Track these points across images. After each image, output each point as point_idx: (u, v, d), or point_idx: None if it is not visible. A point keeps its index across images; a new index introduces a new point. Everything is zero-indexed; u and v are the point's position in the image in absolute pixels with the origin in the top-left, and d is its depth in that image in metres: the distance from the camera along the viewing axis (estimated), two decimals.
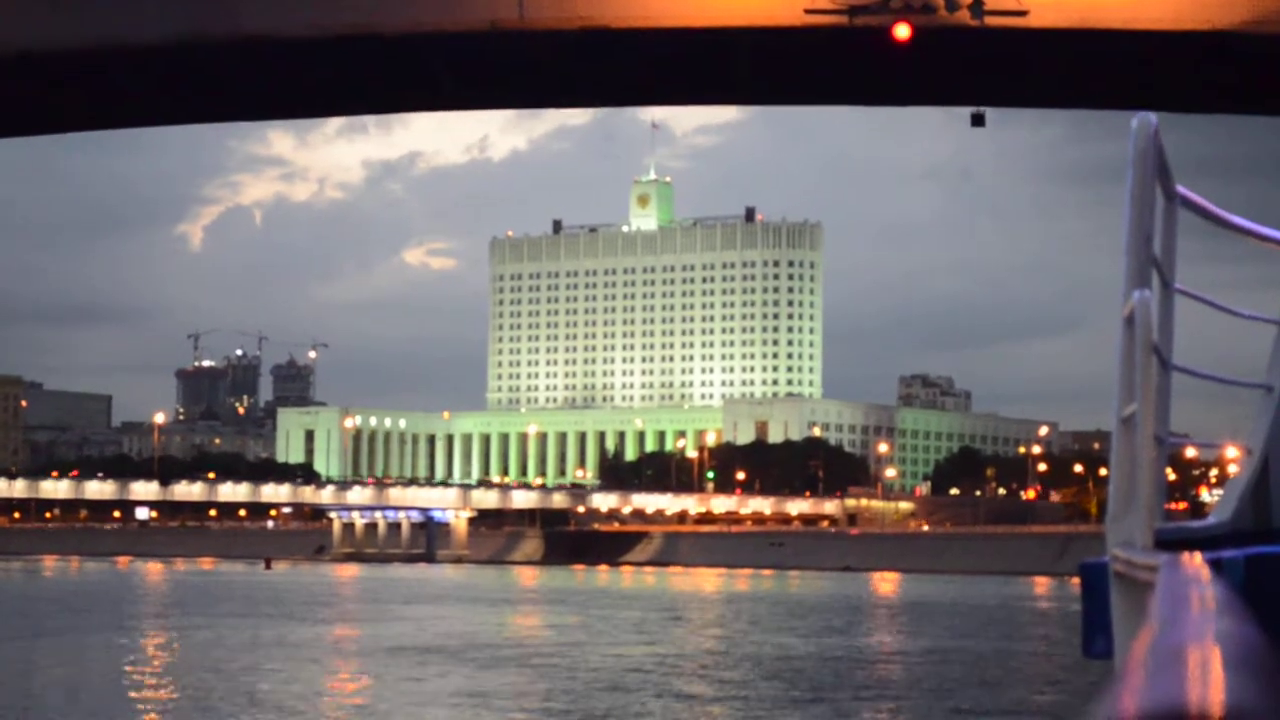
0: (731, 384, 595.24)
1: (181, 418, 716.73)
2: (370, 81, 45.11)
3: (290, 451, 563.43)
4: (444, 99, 47.64)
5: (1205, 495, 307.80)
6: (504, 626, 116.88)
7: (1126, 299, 9.61)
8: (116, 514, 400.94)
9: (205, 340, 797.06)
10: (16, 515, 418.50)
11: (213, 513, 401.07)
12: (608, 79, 45.21)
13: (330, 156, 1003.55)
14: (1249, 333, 12.84)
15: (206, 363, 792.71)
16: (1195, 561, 7.30)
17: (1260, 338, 12.55)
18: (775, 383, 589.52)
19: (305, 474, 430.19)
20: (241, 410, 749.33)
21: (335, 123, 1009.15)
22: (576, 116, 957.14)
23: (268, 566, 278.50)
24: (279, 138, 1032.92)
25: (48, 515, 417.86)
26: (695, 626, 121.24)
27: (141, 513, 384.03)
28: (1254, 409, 12.26)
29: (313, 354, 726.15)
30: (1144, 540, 9.39)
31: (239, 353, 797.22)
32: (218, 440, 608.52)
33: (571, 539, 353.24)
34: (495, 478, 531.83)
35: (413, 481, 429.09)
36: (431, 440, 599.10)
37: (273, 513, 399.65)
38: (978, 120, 47.43)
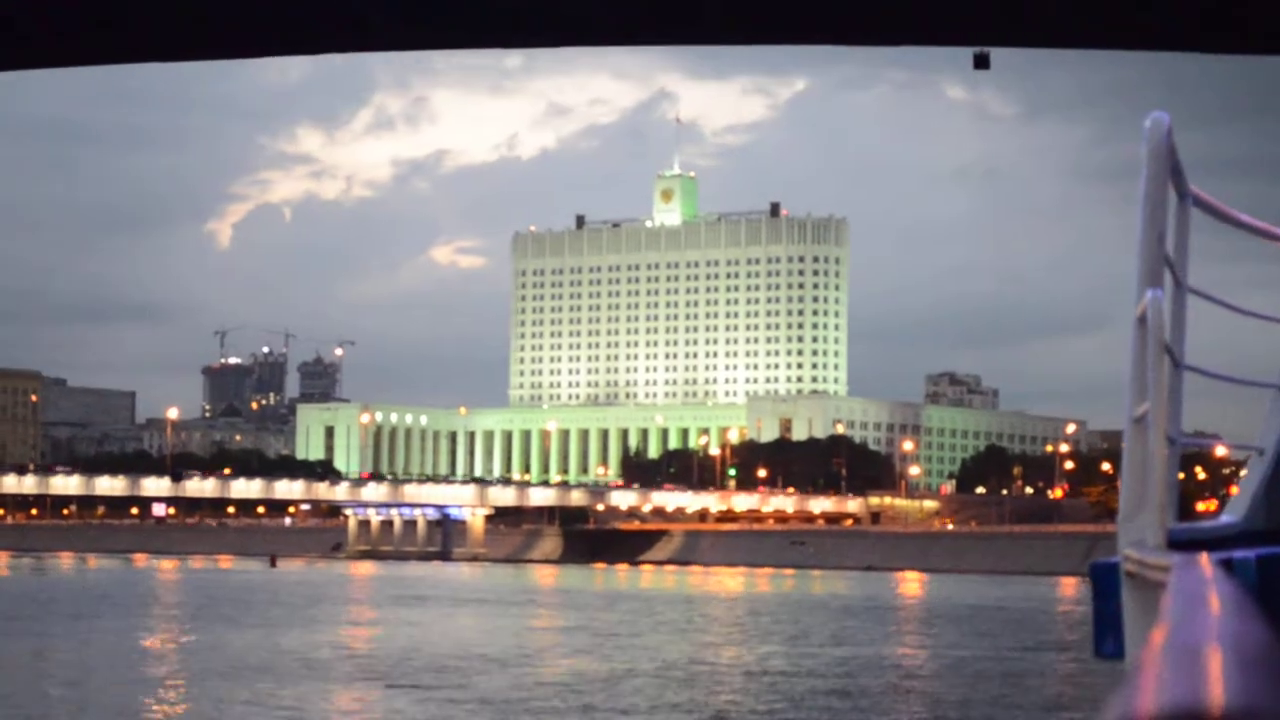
0: (755, 381, 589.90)
1: (208, 415, 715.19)
2: (287, 18, 39.79)
3: (310, 448, 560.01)
4: (372, 38, 42.40)
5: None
6: (471, 632, 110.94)
7: (1139, 298, 9.58)
8: (134, 511, 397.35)
9: (232, 338, 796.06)
10: (34, 512, 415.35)
11: (231, 509, 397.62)
12: (558, 15, 39.78)
13: (358, 154, 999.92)
14: (1263, 332, 12.72)
15: (233, 360, 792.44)
16: (1207, 562, 7.38)
17: (1273, 337, 12.59)
18: (800, 380, 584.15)
19: (325, 471, 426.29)
20: (255, 406, 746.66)
21: (363, 120, 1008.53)
22: (606, 115, 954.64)
23: (273, 564, 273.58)
24: (307, 135, 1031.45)
25: (65, 512, 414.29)
26: (710, 632, 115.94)
27: (158, 509, 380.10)
28: (1266, 409, 12.15)
29: (339, 351, 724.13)
30: (1156, 540, 9.23)
31: (265, 350, 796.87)
32: (238, 437, 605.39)
33: (590, 537, 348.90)
34: (516, 475, 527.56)
35: (429, 478, 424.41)
36: (453, 437, 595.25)
37: (291, 510, 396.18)
38: (981, 62, 42.12)
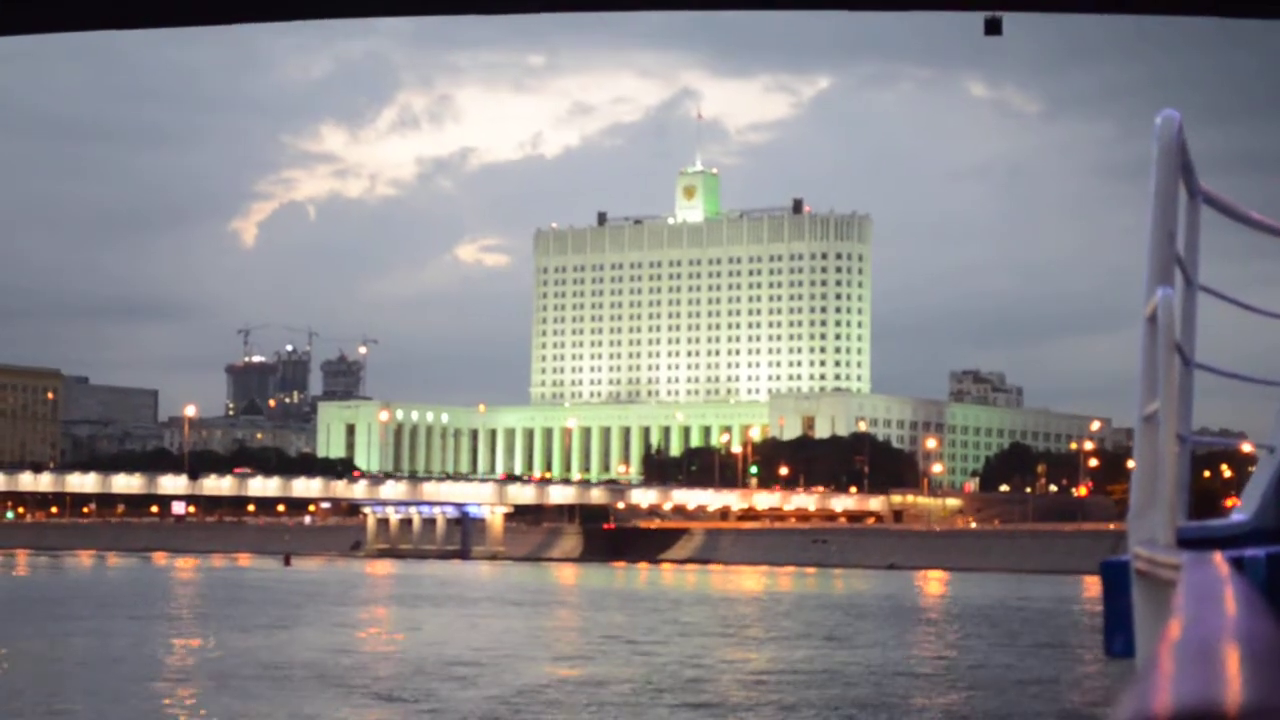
0: (778, 378, 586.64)
1: (231, 413, 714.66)
2: None
3: (331, 446, 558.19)
4: (325, 5, 39.83)
5: None
6: (465, 634, 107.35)
7: (1149, 297, 9.64)
8: (154, 509, 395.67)
9: (256, 336, 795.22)
10: (54, 510, 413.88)
11: (251, 508, 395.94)
12: None
13: (382, 153, 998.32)
14: (1275, 330, 12.80)
15: (256, 358, 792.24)
16: (1217, 560, 7.47)
17: None
18: (823, 377, 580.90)
19: (346, 469, 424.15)
20: (273, 404, 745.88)
21: (387, 119, 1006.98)
22: (630, 114, 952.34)
23: (287, 563, 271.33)
24: (330, 133, 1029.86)
25: (85, 510, 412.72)
26: (719, 634, 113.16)
27: (178, 508, 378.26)
28: (1276, 407, 12.15)
29: (363, 350, 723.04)
30: (1166, 539, 9.29)
31: (289, 348, 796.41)
32: (259, 435, 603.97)
33: (610, 536, 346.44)
34: (537, 473, 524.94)
35: (448, 476, 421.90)
36: (474, 435, 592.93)
37: (311, 508, 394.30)
38: (992, 27, 39.49)
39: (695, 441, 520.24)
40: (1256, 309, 12.04)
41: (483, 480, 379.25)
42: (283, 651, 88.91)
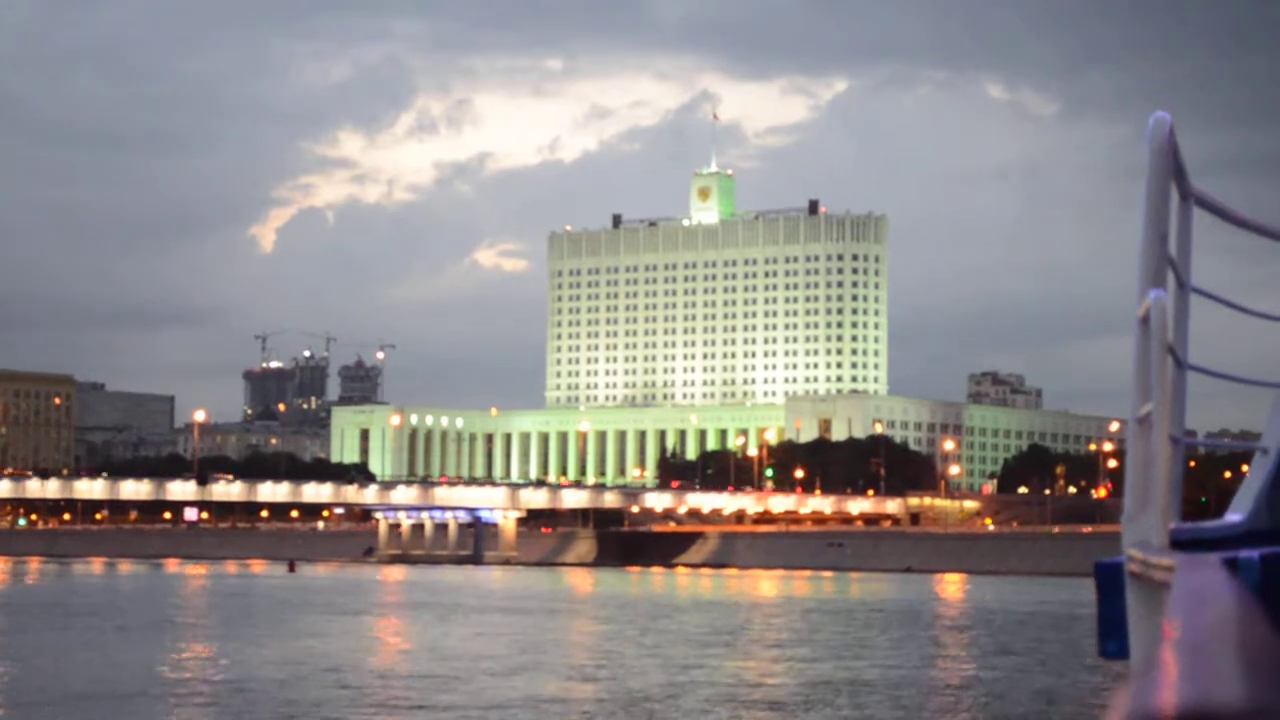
0: (794, 381, 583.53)
1: (249, 419, 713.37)
2: None
3: (345, 451, 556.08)
4: None
5: None
6: (439, 644, 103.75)
7: (1141, 299, 9.79)
8: (167, 515, 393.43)
9: (274, 341, 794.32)
10: (66, 517, 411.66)
11: (265, 514, 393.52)
12: None
13: (400, 158, 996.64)
14: (1268, 332, 12.84)
15: (274, 364, 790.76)
16: (1211, 561, 7.50)
17: (1277, 337, 12.66)
18: (839, 379, 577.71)
19: (359, 474, 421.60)
20: (283, 408, 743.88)
21: (405, 124, 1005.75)
22: (648, 117, 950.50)
23: (291, 570, 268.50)
24: (348, 138, 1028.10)
25: (97, 517, 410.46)
26: (710, 643, 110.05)
27: (190, 514, 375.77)
28: (1269, 408, 12.05)
29: (380, 355, 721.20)
30: (1160, 540, 9.40)
31: (307, 354, 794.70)
32: (274, 440, 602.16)
33: (624, 540, 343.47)
34: (552, 477, 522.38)
35: (460, 481, 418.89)
36: (489, 439, 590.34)
37: (325, 514, 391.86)
38: None
39: (711, 445, 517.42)
40: (1250, 310, 11.82)
41: (495, 485, 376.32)
42: (232, 667, 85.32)
